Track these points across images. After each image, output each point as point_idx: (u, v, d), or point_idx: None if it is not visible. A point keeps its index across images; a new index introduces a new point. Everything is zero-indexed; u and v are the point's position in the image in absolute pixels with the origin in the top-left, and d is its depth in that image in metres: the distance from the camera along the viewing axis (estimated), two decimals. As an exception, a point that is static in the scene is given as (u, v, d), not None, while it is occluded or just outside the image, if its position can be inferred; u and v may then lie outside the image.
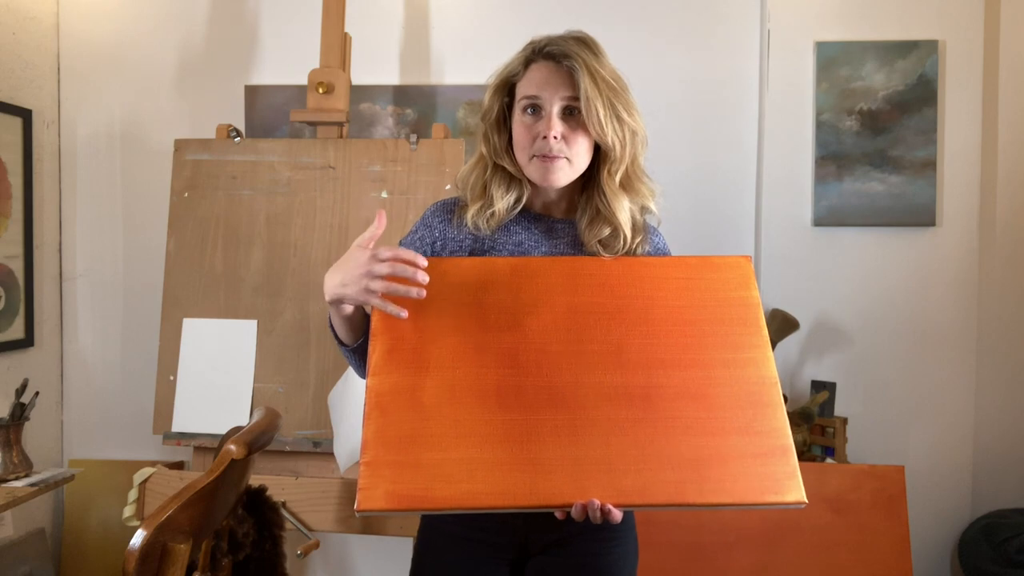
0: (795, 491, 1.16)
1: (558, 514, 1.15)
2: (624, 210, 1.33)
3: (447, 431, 1.17)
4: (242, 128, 2.64)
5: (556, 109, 1.29)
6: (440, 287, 1.29)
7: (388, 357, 1.24)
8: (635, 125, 1.32)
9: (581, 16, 2.56)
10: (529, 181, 1.36)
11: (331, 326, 1.35)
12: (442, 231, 1.40)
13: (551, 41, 1.32)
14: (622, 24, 2.63)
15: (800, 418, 2.38)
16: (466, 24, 2.66)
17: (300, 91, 2.59)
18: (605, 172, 1.32)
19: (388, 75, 2.68)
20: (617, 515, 1.12)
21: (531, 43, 1.34)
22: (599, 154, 1.34)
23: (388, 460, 1.14)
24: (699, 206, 2.65)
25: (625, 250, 1.34)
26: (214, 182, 2.42)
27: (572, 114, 1.30)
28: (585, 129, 1.30)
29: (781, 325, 2.48)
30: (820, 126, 2.56)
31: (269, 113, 2.68)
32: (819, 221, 2.58)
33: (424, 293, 1.22)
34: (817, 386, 2.52)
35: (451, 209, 1.42)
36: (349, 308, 1.27)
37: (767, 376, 1.25)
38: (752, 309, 1.31)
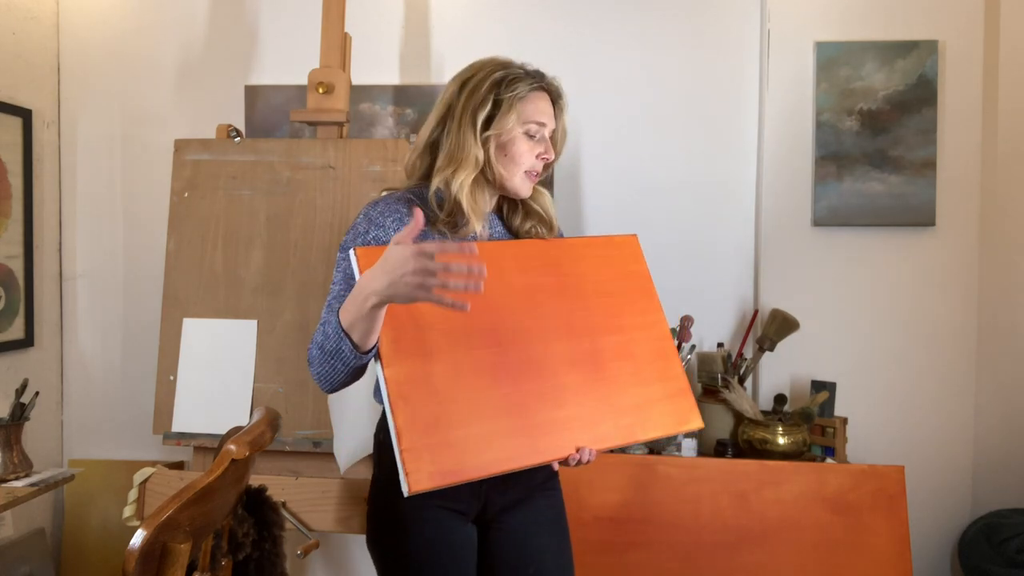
0: (696, 420, 1.56)
1: (555, 465, 1.40)
2: (551, 202, 1.58)
3: (462, 410, 1.32)
4: (242, 128, 2.64)
5: (548, 136, 1.52)
6: None
7: (395, 347, 1.31)
8: None
9: (581, 16, 2.56)
10: (490, 185, 1.50)
11: (344, 335, 1.28)
12: (397, 232, 1.38)
13: (552, 79, 1.54)
14: (622, 24, 2.62)
15: (800, 418, 2.38)
16: (466, 24, 2.66)
17: (300, 91, 2.58)
18: None
19: (388, 75, 2.68)
20: (594, 456, 1.41)
21: (535, 72, 1.51)
22: None
23: (424, 444, 1.27)
24: (699, 206, 2.65)
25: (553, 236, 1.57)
26: (214, 182, 2.42)
27: None
28: None
29: (781, 325, 2.48)
30: (820, 126, 2.56)
31: (269, 113, 2.68)
32: (819, 221, 2.58)
33: (482, 286, 1.18)
34: (817, 386, 2.52)
35: (403, 209, 1.44)
36: (383, 309, 1.25)
37: (664, 333, 1.59)
38: (646, 280, 1.61)
